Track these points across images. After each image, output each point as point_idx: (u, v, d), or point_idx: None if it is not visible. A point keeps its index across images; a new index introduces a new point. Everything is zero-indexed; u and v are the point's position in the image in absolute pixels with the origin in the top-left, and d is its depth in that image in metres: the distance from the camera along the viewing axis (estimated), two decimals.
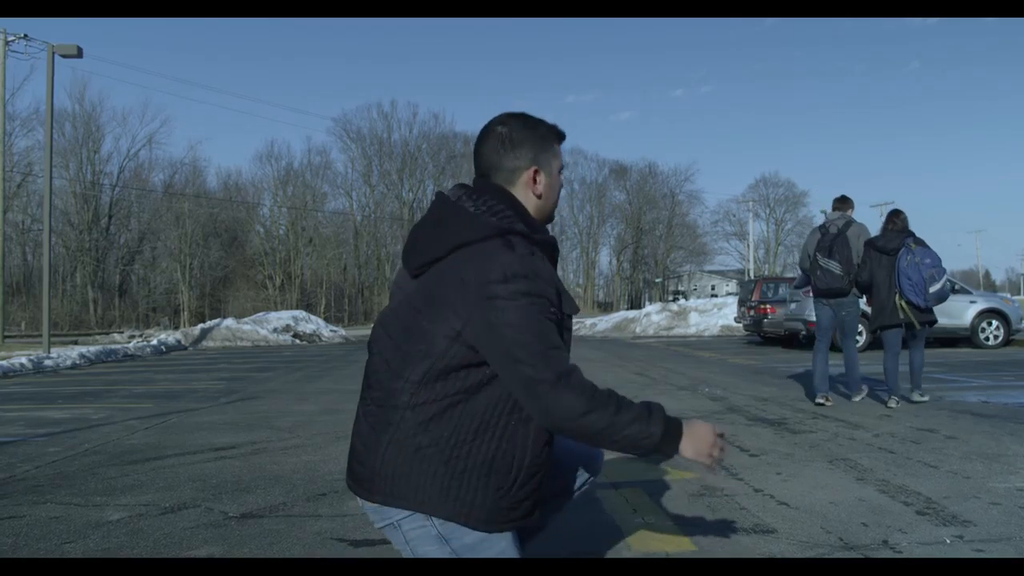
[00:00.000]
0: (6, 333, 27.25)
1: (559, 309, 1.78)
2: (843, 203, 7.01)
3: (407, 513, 1.80)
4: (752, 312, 17.92)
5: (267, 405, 7.89)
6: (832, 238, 6.74)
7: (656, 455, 1.74)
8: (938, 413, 6.17)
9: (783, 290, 20.00)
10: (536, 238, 1.85)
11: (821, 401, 6.68)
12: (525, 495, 1.82)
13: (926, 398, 6.80)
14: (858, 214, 7.12)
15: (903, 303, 6.48)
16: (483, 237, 1.76)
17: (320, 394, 8.82)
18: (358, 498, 1.87)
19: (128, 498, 3.97)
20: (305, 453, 5.12)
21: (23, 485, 4.34)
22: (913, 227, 6.74)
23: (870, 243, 6.69)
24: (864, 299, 6.95)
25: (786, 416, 6.19)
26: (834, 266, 6.68)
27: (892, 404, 6.47)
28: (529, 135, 1.96)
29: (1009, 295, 15.53)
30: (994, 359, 12.08)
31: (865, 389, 7.09)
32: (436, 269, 1.81)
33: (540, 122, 2.01)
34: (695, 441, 1.76)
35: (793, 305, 15.50)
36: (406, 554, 1.85)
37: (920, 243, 6.55)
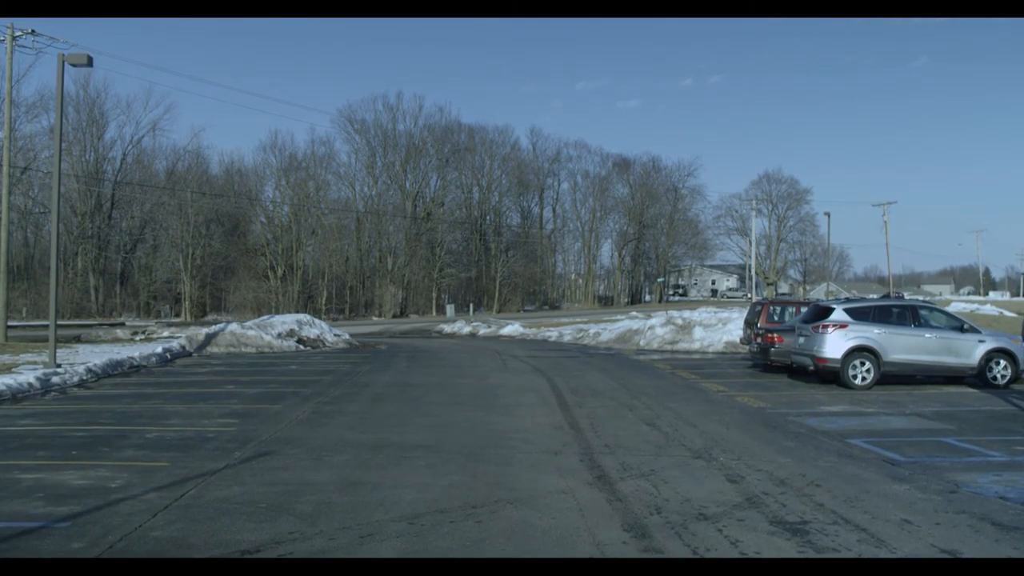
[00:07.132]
0: (8, 321, 27.13)
1: None
2: None
3: None
4: (759, 340, 17.95)
5: (282, 467, 7.91)
6: None
7: None
8: (958, 520, 6.20)
9: (790, 315, 20.03)
10: None
11: None
12: None
13: None
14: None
15: None
16: None
17: (334, 450, 8.84)
18: None
19: None
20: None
21: None
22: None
23: None
24: None
25: (806, 517, 6.22)
26: None
27: None
28: None
29: (1020, 336, 15.63)
30: (1003, 411, 12.18)
31: None
32: None
33: None
34: None
35: (802, 339, 15.50)
36: None
37: None
